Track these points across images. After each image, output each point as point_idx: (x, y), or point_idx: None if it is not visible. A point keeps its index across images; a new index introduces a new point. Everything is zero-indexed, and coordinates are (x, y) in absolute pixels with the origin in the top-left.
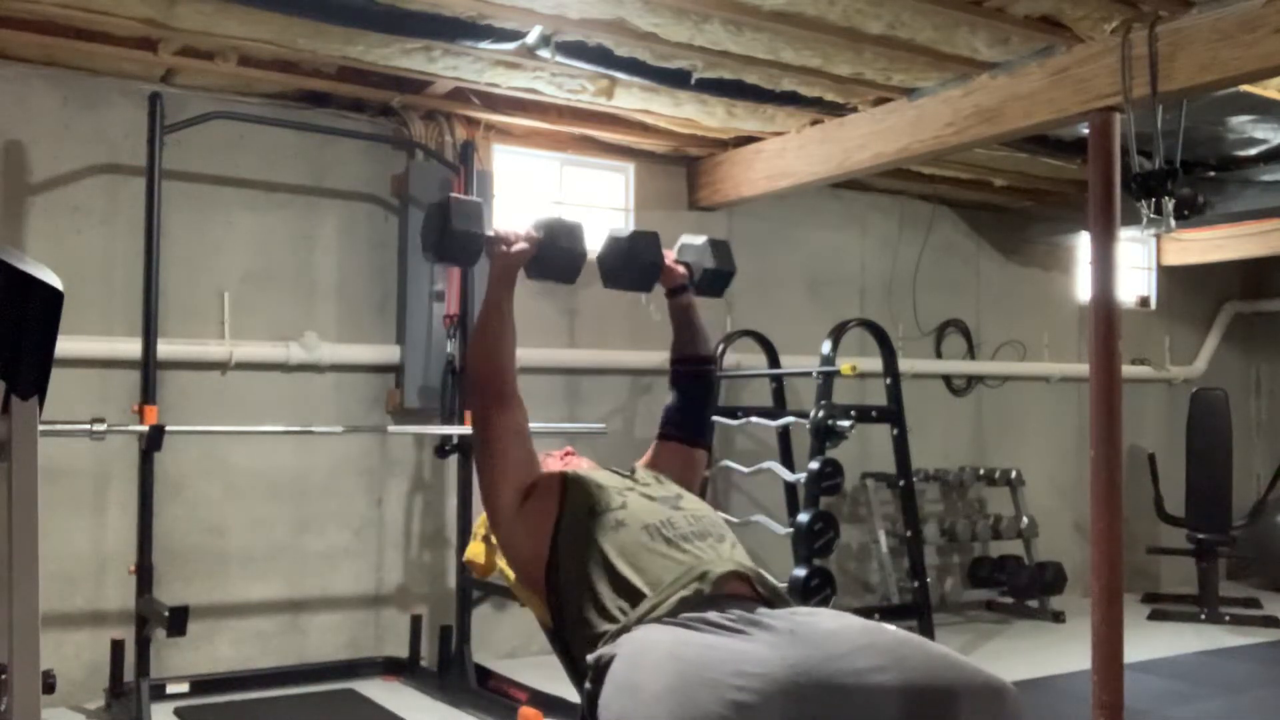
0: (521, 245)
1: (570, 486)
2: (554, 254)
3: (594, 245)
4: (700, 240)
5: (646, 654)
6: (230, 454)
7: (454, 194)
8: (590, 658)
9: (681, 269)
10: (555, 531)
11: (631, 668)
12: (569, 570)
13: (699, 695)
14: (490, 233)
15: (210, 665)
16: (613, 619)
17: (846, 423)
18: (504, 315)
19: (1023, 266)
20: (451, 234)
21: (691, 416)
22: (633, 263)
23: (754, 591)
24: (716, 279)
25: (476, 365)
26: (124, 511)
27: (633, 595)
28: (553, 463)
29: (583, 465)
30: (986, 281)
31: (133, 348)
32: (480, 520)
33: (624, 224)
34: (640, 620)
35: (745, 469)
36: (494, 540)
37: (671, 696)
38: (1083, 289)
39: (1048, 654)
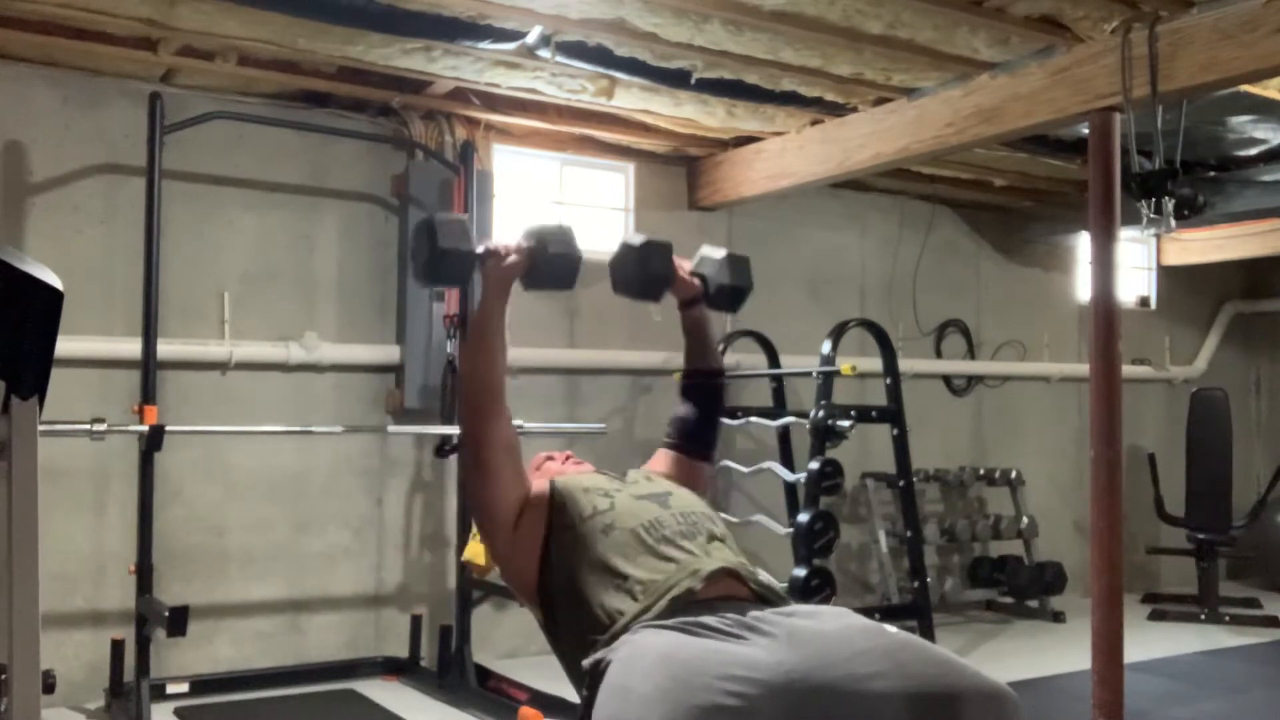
0: (514, 258)
1: (556, 495)
2: (548, 262)
3: (592, 247)
4: (719, 254)
5: (640, 658)
6: (230, 454)
7: (438, 214)
8: (586, 663)
9: (695, 281)
10: (545, 544)
11: (625, 671)
12: (560, 578)
13: (690, 698)
14: (480, 248)
15: (210, 665)
16: (605, 624)
17: (846, 423)
18: (498, 330)
19: (1023, 266)
20: (440, 255)
21: (697, 429)
22: (642, 272)
23: (746, 589)
24: (732, 295)
25: (469, 380)
26: (124, 511)
27: (624, 598)
28: (554, 465)
29: (584, 471)
30: (986, 281)
31: (133, 348)
32: None
33: (625, 225)
34: (633, 623)
35: (745, 469)
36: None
37: (663, 699)
38: (1083, 289)
39: (1048, 654)
